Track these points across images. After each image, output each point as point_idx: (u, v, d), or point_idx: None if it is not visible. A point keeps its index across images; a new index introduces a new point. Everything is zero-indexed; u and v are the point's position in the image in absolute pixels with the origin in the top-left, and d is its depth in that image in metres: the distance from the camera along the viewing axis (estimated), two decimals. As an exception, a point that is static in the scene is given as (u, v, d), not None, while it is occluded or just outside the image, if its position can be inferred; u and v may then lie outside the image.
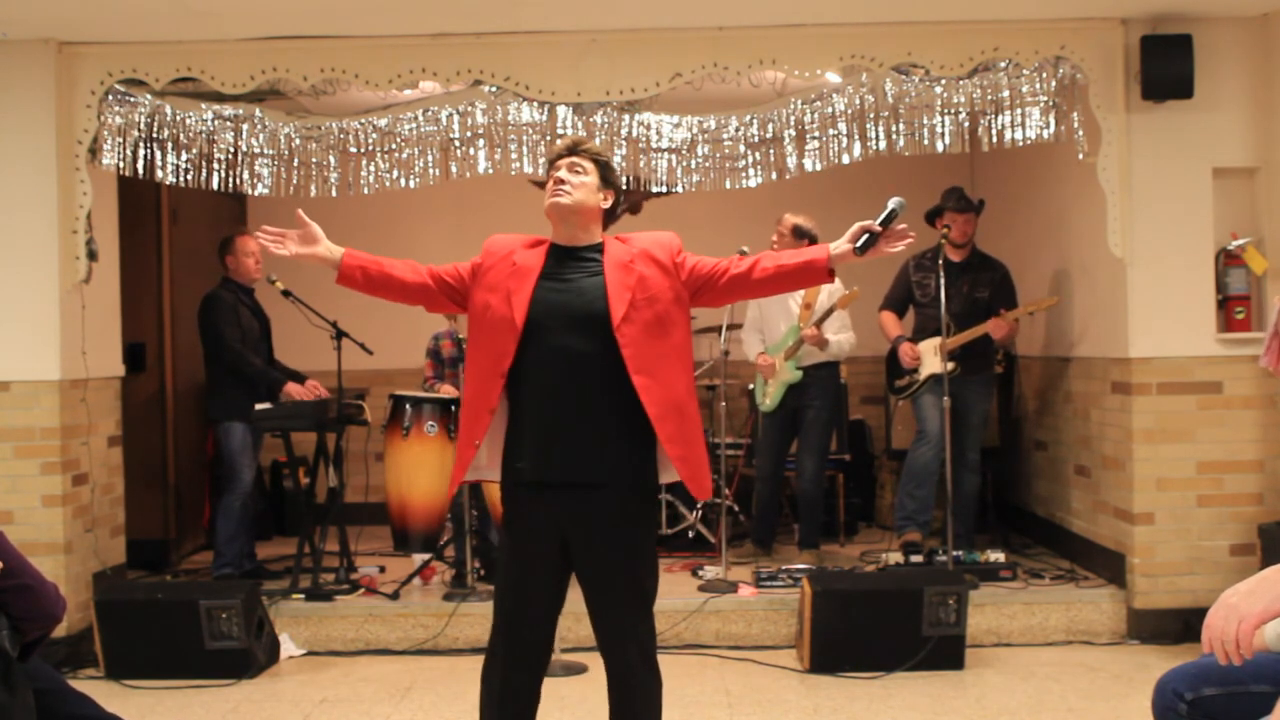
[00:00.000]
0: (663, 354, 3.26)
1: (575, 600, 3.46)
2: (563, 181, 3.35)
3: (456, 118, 5.75)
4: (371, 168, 5.81)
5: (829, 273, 3.29)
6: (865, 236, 3.21)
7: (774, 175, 5.80)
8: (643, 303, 3.26)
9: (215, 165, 5.77)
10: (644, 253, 3.34)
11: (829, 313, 6.27)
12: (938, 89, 5.58)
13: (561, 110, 5.67)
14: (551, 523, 3.27)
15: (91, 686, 4.49)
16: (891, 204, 3.21)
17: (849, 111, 5.67)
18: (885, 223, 3.21)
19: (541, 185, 3.55)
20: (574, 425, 3.23)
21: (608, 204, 3.43)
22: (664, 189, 5.91)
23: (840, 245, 3.27)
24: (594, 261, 3.35)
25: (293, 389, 6.23)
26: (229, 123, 5.77)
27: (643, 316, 3.25)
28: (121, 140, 5.68)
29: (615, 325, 3.21)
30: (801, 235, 6.46)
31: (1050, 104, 5.53)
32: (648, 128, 5.75)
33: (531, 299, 3.27)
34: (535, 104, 5.67)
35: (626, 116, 5.72)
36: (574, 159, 3.40)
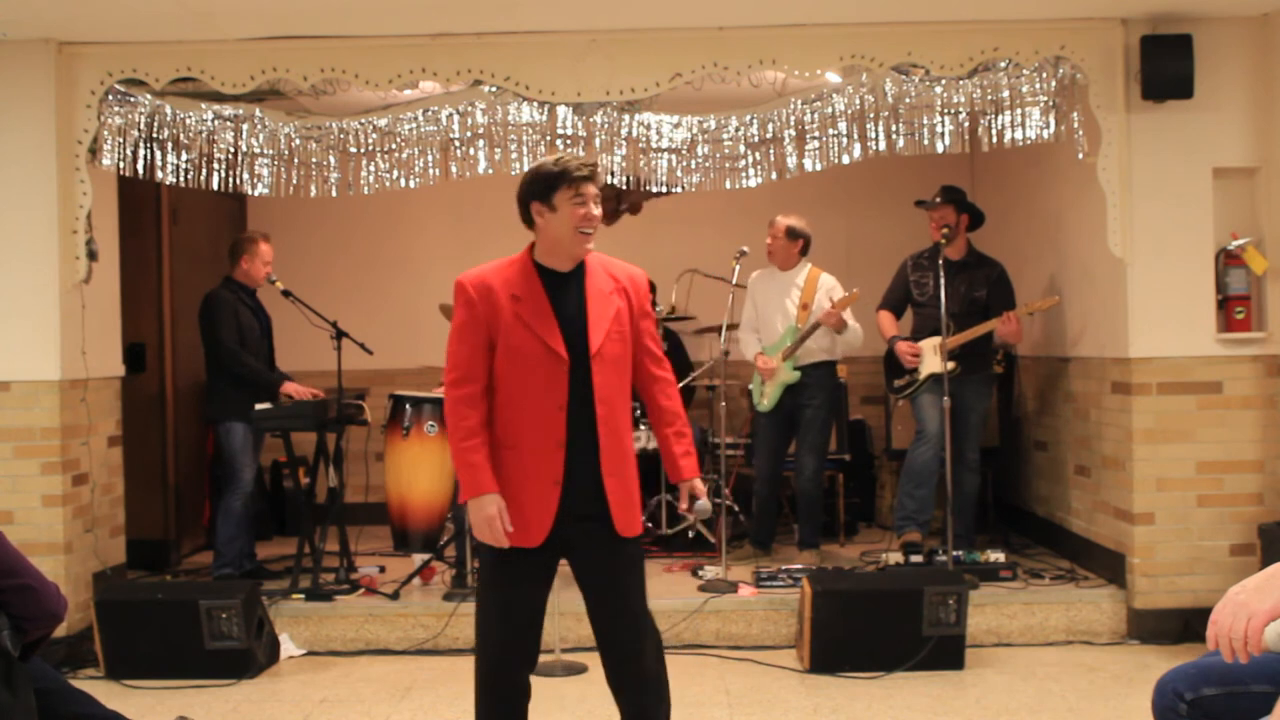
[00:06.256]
0: (619, 388, 3.34)
1: (576, 600, 3.46)
2: (593, 218, 3.30)
3: (456, 118, 5.75)
4: (371, 168, 5.81)
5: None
6: (683, 511, 3.54)
7: (774, 175, 5.80)
8: (615, 336, 3.33)
9: (215, 165, 5.78)
10: (623, 288, 3.39)
11: (828, 313, 6.27)
12: (938, 89, 5.58)
13: (561, 110, 5.67)
14: (564, 543, 3.37)
15: (91, 686, 4.48)
16: (698, 510, 3.50)
17: (849, 111, 5.67)
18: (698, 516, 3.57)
19: None
20: (594, 452, 3.30)
21: None
22: (664, 189, 5.91)
23: (685, 487, 3.48)
24: (579, 283, 3.36)
25: (291, 387, 6.24)
26: (229, 123, 5.77)
27: (614, 349, 3.32)
28: (121, 140, 5.68)
29: (592, 353, 3.27)
30: (795, 236, 6.45)
31: (1050, 104, 5.53)
32: (648, 128, 5.76)
33: (560, 329, 3.29)
34: (535, 104, 5.67)
35: (626, 116, 5.72)
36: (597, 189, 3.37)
